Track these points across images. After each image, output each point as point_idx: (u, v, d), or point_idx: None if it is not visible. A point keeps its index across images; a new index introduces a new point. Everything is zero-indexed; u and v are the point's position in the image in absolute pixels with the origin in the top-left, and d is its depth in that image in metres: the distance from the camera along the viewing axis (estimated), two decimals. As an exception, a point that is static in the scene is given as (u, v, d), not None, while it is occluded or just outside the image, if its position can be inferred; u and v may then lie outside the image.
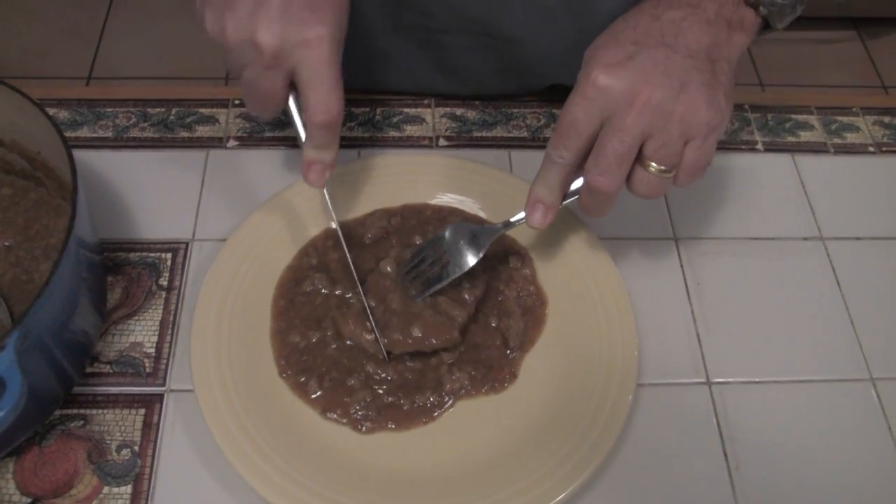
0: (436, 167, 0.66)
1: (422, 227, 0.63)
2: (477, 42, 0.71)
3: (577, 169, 0.52)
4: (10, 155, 0.61)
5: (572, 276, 0.60)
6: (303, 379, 0.56)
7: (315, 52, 0.51)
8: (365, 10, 0.71)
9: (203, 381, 0.54)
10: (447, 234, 0.57)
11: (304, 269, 0.61)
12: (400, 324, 0.56)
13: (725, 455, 0.55)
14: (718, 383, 0.58)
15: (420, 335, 0.55)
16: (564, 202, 0.54)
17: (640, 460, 0.55)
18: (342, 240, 0.58)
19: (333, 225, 0.60)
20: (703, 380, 0.58)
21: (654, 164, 0.50)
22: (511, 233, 0.59)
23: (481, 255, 0.56)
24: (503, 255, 0.62)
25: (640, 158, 0.50)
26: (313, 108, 0.53)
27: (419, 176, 0.65)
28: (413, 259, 0.58)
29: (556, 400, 0.55)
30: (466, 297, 0.57)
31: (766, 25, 0.54)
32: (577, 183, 0.53)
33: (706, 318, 0.61)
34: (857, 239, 0.66)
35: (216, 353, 0.55)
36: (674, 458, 0.55)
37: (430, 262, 0.57)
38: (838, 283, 0.63)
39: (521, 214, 0.55)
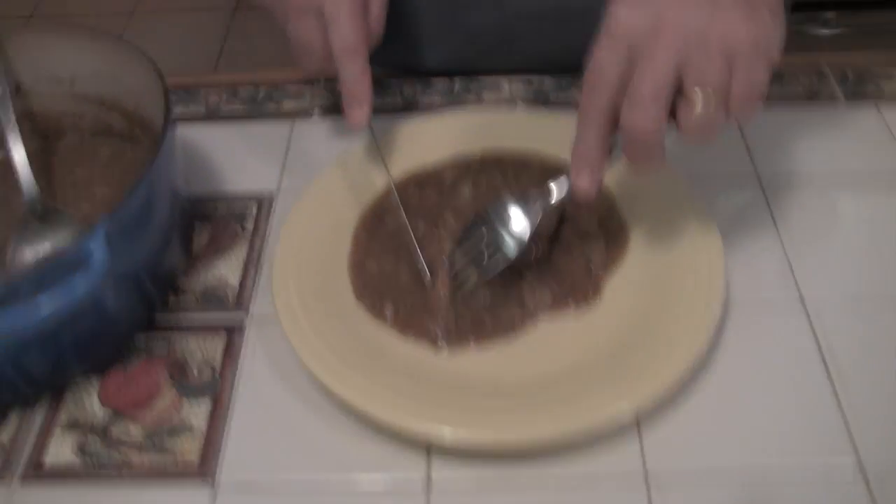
0: (514, 118, 0.67)
1: (501, 169, 0.63)
2: (544, 24, 0.73)
3: (616, 123, 0.47)
4: (111, 114, 0.65)
5: (654, 204, 0.59)
6: (379, 303, 0.56)
7: (348, 14, 0.56)
8: (432, 20, 0.75)
9: (284, 303, 0.54)
10: (491, 212, 0.55)
11: (385, 207, 0.61)
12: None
13: (825, 362, 0.52)
14: (813, 301, 0.55)
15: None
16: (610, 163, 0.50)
17: (733, 375, 0.52)
18: (395, 192, 0.61)
19: (386, 176, 0.62)
20: (797, 296, 0.56)
21: (697, 90, 0.43)
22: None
23: (528, 233, 0.53)
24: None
25: (681, 89, 0.44)
26: (332, 40, 0.57)
27: (495, 125, 0.66)
28: (462, 243, 0.56)
29: (640, 316, 0.53)
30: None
31: None
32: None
33: (794, 243, 0.58)
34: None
35: (297, 276, 0.56)
36: (769, 370, 0.52)
37: (481, 244, 0.55)
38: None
39: (563, 181, 0.52)
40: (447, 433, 0.47)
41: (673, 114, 0.45)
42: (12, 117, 0.61)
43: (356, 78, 0.58)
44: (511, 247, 0.53)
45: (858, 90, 0.70)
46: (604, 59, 0.45)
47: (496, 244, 0.54)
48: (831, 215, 0.61)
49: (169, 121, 0.53)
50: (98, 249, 0.45)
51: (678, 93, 0.44)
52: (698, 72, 0.43)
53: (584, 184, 0.49)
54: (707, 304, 0.52)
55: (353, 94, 0.58)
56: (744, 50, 0.43)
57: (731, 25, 0.43)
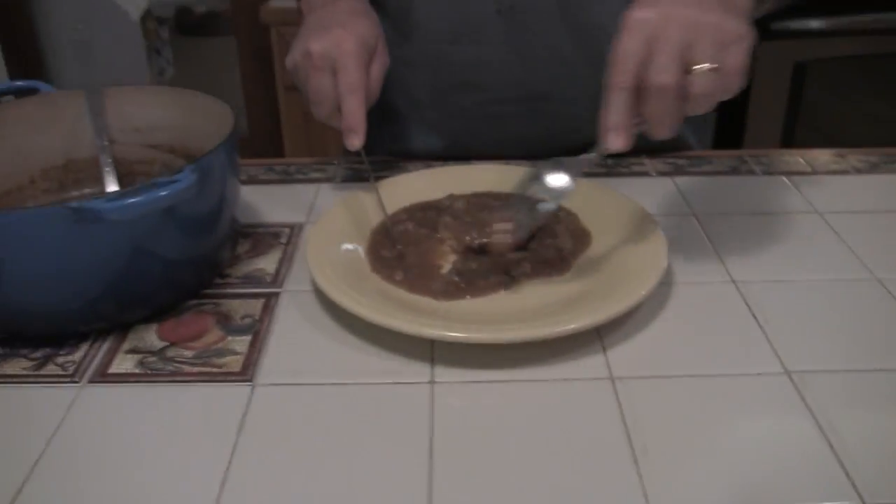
0: (501, 169, 0.83)
1: (486, 202, 0.78)
2: (523, 108, 0.91)
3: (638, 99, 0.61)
4: (178, 160, 0.80)
5: (611, 217, 0.74)
6: (391, 272, 0.69)
7: (343, 48, 0.75)
8: (422, 99, 0.93)
9: (315, 265, 0.67)
10: (530, 176, 0.70)
11: (395, 220, 0.76)
12: (476, 225, 0.71)
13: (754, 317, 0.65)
14: (742, 281, 0.69)
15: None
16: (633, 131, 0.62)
17: (676, 317, 0.65)
18: (381, 198, 0.77)
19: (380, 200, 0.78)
20: (728, 279, 0.69)
21: (700, 65, 0.58)
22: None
23: (570, 186, 0.68)
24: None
25: (687, 67, 0.59)
26: (339, 83, 0.74)
27: (483, 174, 0.82)
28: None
29: (601, 278, 0.67)
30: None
31: None
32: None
33: (722, 242, 0.73)
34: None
35: (325, 253, 0.69)
36: (706, 315, 0.65)
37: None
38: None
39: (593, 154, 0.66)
40: (444, 332, 0.59)
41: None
42: (111, 166, 0.77)
43: (354, 110, 0.75)
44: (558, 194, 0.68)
45: (769, 168, 0.88)
46: (627, 44, 0.60)
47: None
48: (751, 231, 0.76)
49: (236, 129, 0.69)
50: (186, 176, 0.59)
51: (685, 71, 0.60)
52: (700, 47, 0.59)
53: (620, 143, 0.62)
54: (653, 265, 0.65)
55: (350, 124, 0.75)
56: (732, 36, 0.59)
57: (720, 19, 0.59)
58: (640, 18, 0.60)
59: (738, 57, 0.59)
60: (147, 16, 2.95)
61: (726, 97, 0.61)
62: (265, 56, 2.27)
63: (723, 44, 0.59)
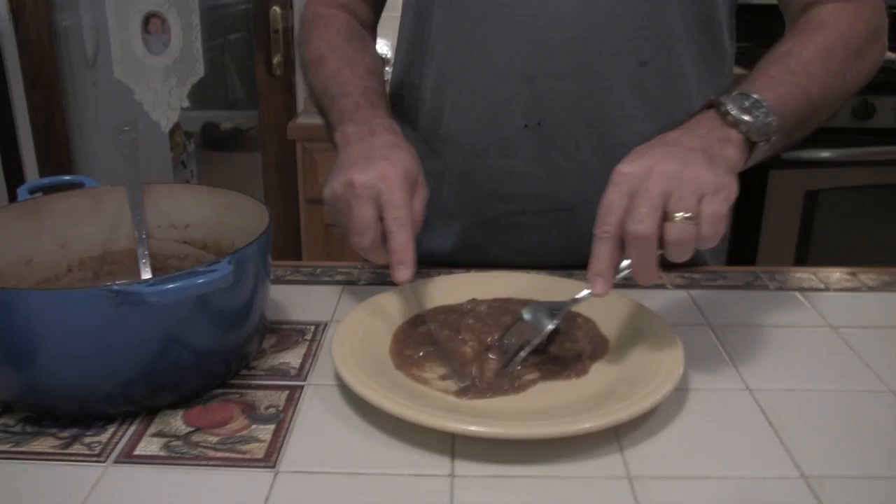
0: (520, 277, 0.86)
1: (507, 307, 0.80)
2: (546, 219, 0.94)
3: (621, 246, 0.67)
4: (208, 256, 0.83)
5: (628, 324, 0.76)
6: (415, 370, 0.70)
7: (389, 180, 0.74)
8: (448, 208, 0.97)
9: (339, 357, 0.69)
10: (526, 313, 0.74)
11: (417, 321, 0.78)
12: (497, 327, 0.73)
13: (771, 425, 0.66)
14: (757, 389, 0.70)
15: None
16: (618, 276, 0.69)
17: (692, 423, 0.66)
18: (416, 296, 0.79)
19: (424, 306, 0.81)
20: (744, 387, 0.71)
21: (677, 214, 0.64)
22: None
23: (557, 321, 0.72)
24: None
25: (666, 216, 0.65)
26: (387, 217, 0.74)
27: (507, 279, 0.85)
28: (501, 339, 0.75)
29: (617, 382, 0.68)
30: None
31: (753, 143, 0.73)
32: (624, 263, 0.69)
33: (738, 354, 0.74)
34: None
35: (350, 349, 0.71)
36: (720, 420, 0.66)
37: (513, 339, 0.74)
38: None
39: (586, 291, 0.71)
40: (467, 427, 0.60)
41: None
42: (147, 257, 0.81)
43: (404, 245, 0.74)
44: (547, 324, 0.72)
45: (782, 285, 0.91)
46: (611, 196, 0.66)
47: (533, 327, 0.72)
48: (765, 343, 0.78)
49: (270, 221, 0.72)
50: (223, 266, 0.62)
51: (664, 219, 0.64)
52: (677, 198, 0.64)
53: (600, 289, 0.67)
54: (670, 370, 0.67)
55: (400, 258, 0.74)
56: (709, 188, 0.64)
57: (698, 172, 0.65)
58: (624, 173, 0.66)
59: (715, 206, 0.64)
60: (176, 129, 3.06)
61: (708, 245, 0.65)
62: (290, 170, 2.35)
63: (701, 195, 0.64)
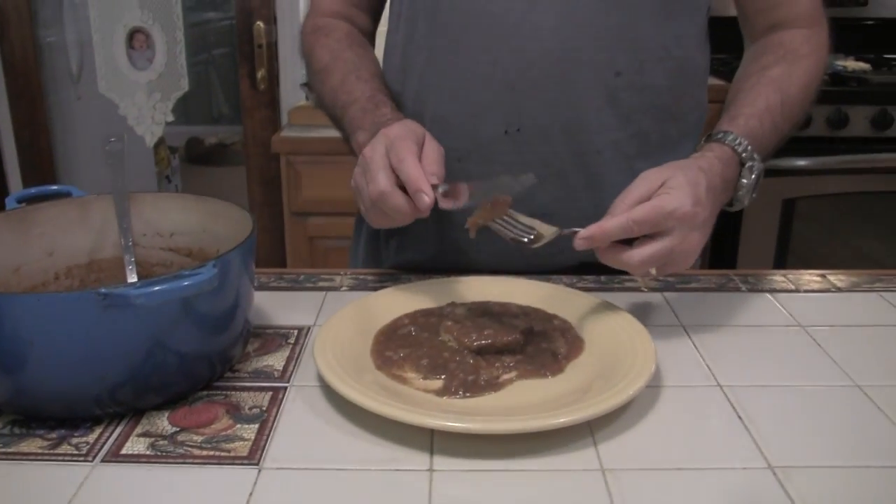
0: (503, 282, 0.88)
1: (486, 308, 0.82)
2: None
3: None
4: (194, 263, 0.85)
5: (603, 326, 0.78)
6: (395, 370, 0.72)
7: (392, 134, 0.80)
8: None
9: (321, 358, 0.71)
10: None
11: (398, 324, 0.80)
12: (476, 328, 0.74)
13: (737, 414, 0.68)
14: (727, 386, 0.72)
15: (491, 332, 0.73)
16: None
17: (664, 417, 0.68)
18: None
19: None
20: (714, 383, 0.73)
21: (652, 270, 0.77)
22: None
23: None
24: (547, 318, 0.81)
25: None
26: (393, 158, 0.78)
27: (484, 284, 0.87)
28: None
29: (593, 378, 0.70)
30: (517, 324, 0.76)
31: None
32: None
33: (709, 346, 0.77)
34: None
35: (331, 349, 0.73)
36: (692, 410, 0.68)
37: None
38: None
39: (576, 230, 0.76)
40: (446, 423, 0.62)
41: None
42: (133, 264, 0.82)
43: (415, 175, 0.75)
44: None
45: (754, 286, 0.93)
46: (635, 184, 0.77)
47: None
48: (737, 341, 0.80)
49: (254, 228, 0.74)
50: (208, 269, 0.64)
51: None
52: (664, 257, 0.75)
53: (583, 245, 0.75)
54: (643, 367, 0.69)
55: (416, 186, 0.75)
56: (690, 258, 0.77)
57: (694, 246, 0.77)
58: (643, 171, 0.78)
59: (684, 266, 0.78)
60: (160, 143, 3.07)
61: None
62: (274, 184, 2.36)
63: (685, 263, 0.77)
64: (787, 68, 0.91)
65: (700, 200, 0.75)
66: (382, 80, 0.98)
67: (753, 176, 0.83)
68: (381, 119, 0.87)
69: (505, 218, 0.78)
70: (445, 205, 0.77)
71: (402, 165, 0.76)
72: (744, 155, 0.83)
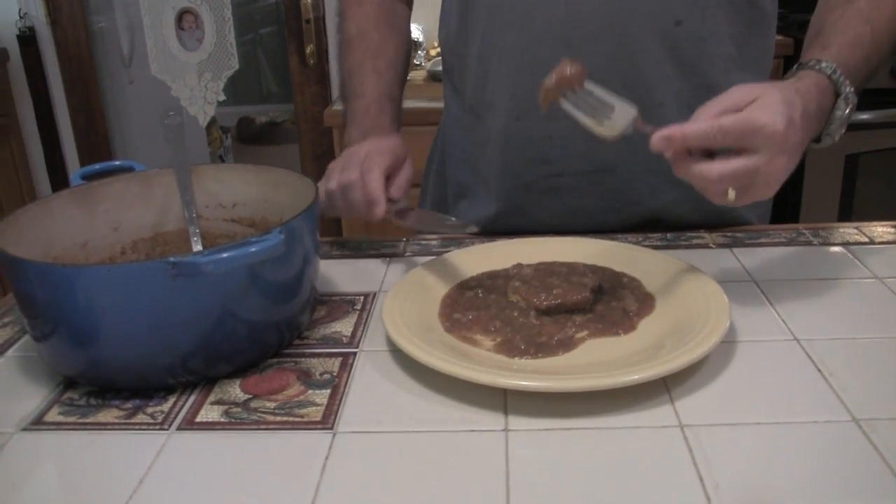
0: (568, 242, 0.87)
1: (553, 269, 0.81)
2: (586, 181, 0.95)
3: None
4: (256, 234, 0.85)
5: (675, 283, 0.77)
6: (465, 332, 0.72)
7: (363, 153, 0.88)
8: (491, 175, 0.99)
9: (390, 322, 0.70)
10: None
11: (465, 287, 0.79)
12: (544, 288, 0.73)
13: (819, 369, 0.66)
14: (805, 339, 0.70)
15: (560, 292, 0.72)
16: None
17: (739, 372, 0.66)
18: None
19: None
20: (791, 337, 0.71)
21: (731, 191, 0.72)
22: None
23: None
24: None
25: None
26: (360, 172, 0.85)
27: (550, 245, 0.86)
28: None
29: (665, 335, 0.69)
30: (586, 282, 0.75)
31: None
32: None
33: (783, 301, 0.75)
34: None
35: (400, 314, 0.72)
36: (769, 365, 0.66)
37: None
38: None
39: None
40: (520, 382, 0.61)
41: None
42: (198, 235, 0.83)
43: (377, 187, 0.84)
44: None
45: (826, 240, 0.90)
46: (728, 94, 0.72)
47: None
48: (811, 295, 0.78)
49: (317, 194, 0.74)
50: (274, 235, 0.64)
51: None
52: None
53: (659, 145, 0.70)
54: (717, 322, 0.67)
55: (372, 197, 0.84)
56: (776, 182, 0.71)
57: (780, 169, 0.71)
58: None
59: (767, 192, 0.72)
60: (213, 124, 3.10)
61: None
62: (327, 158, 2.37)
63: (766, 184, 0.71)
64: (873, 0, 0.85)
65: (794, 122, 0.70)
66: (398, 71, 1.02)
67: (848, 108, 0.78)
68: (377, 125, 0.96)
69: (578, 91, 0.73)
70: (395, 220, 0.87)
71: (368, 176, 0.85)
72: (840, 84, 0.78)
